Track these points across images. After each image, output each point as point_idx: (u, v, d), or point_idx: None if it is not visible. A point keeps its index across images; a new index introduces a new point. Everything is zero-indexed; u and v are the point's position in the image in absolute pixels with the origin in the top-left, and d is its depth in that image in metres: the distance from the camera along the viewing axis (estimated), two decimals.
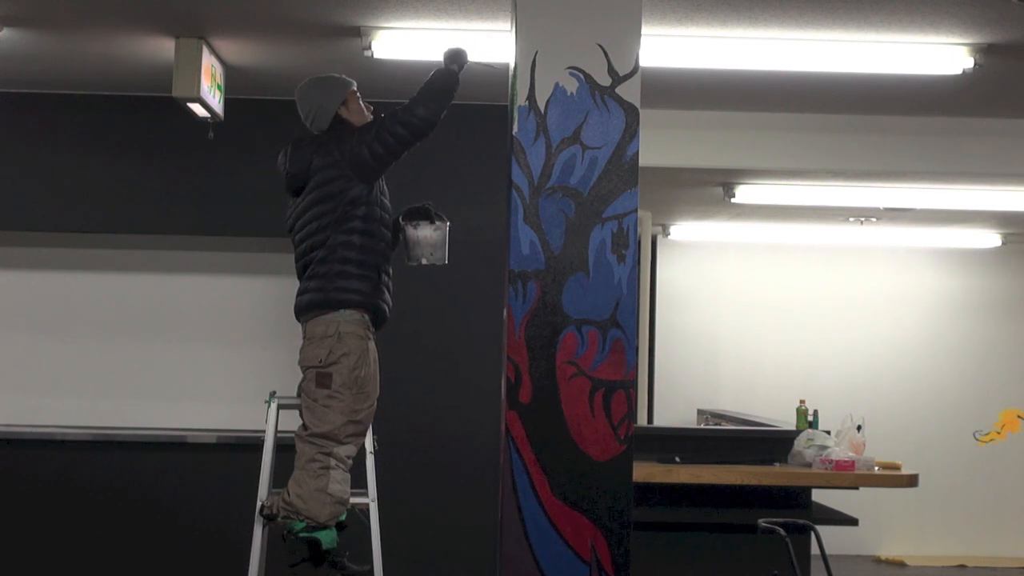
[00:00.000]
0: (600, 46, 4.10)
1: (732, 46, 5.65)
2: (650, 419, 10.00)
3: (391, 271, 4.76)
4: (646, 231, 9.70)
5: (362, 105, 4.82)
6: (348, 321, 4.58)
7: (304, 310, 4.65)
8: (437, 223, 4.81)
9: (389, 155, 4.62)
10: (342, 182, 4.60)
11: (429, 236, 4.77)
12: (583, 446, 4.04)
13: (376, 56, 5.69)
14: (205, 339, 7.19)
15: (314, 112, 4.77)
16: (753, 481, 6.12)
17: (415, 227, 4.78)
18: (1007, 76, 6.13)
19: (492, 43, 5.43)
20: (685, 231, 10.55)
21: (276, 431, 4.88)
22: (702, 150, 7.28)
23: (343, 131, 4.71)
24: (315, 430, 4.55)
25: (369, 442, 4.84)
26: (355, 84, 4.84)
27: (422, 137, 4.64)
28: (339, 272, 4.57)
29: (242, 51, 6.04)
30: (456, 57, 4.66)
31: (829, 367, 10.68)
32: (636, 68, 4.11)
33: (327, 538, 4.53)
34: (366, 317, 4.63)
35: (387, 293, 4.71)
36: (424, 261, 4.80)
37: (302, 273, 4.72)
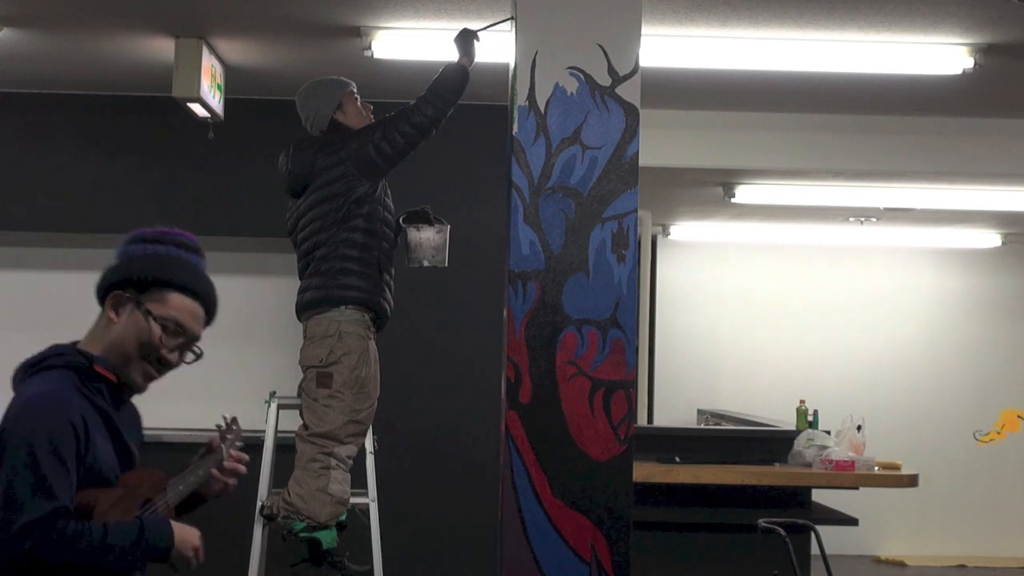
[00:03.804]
0: (600, 46, 4.10)
1: (732, 46, 5.66)
2: (650, 419, 9.99)
3: (393, 272, 4.76)
4: (646, 231, 9.70)
5: (359, 107, 4.81)
6: (349, 320, 4.57)
7: (305, 308, 4.65)
8: (438, 226, 4.82)
9: (397, 155, 4.63)
10: (347, 181, 4.60)
11: (431, 239, 4.78)
12: (583, 446, 4.03)
13: (376, 56, 5.69)
14: (205, 339, 7.17)
15: (312, 117, 4.78)
16: (753, 481, 6.11)
17: (418, 229, 4.79)
18: (1007, 76, 6.13)
19: (492, 43, 5.43)
20: (685, 231, 10.55)
21: (276, 431, 4.88)
22: (702, 150, 7.28)
23: (345, 132, 4.71)
24: (316, 430, 4.55)
25: (369, 442, 4.84)
26: (353, 85, 4.84)
27: (429, 136, 4.65)
28: (340, 269, 4.57)
29: (242, 51, 6.05)
30: (466, 44, 4.64)
31: (829, 367, 10.68)
32: (636, 68, 4.11)
33: (327, 538, 4.53)
34: (367, 316, 4.63)
35: (388, 293, 4.71)
36: (426, 263, 4.81)
37: (304, 272, 4.72)
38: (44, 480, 2.47)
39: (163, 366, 2.68)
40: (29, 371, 2.63)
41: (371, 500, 4.81)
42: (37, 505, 2.46)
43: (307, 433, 4.58)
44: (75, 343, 2.68)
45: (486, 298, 6.45)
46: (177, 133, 6.72)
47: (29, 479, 2.46)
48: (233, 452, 2.76)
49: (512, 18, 4.36)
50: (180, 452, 7.47)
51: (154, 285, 2.64)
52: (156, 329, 2.63)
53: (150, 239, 2.69)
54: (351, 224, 4.60)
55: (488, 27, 4.66)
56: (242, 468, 2.78)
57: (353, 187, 4.59)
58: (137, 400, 7.78)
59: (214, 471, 2.73)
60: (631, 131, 4.11)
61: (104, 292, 2.67)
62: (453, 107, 4.64)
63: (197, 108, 5.97)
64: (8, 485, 2.48)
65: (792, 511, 5.99)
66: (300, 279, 4.74)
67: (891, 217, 9.30)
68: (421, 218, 4.84)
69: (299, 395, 4.68)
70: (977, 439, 8.66)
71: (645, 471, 5.88)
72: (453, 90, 4.60)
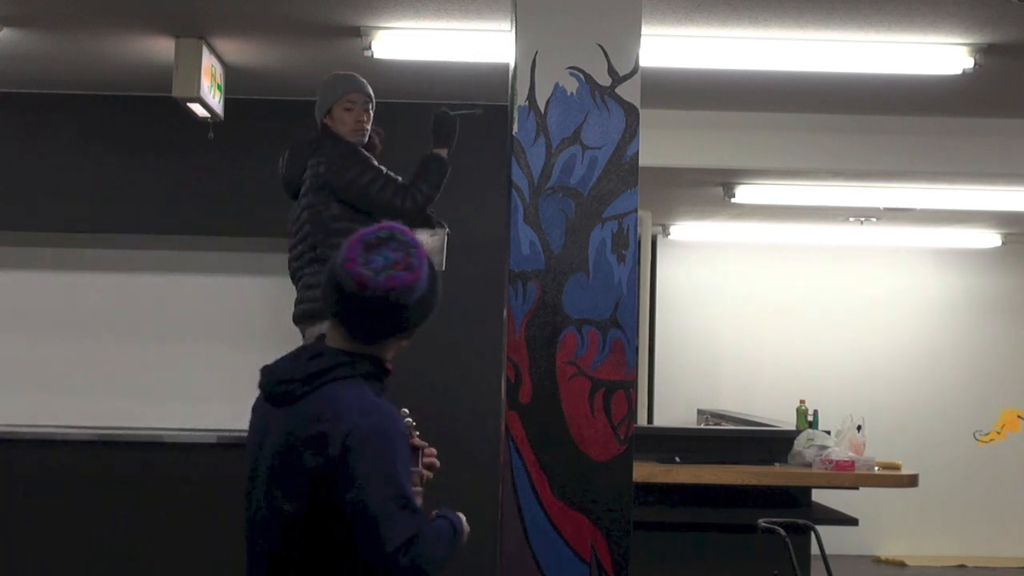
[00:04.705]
0: (600, 46, 4.10)
1: (732, 46, 5.65)
2: (650, 419, 9.99)
3: None
4: (646, 231, 9.70)
5: (348, 117, 4.71)
6: None
7: (301, 319, 4.65)
8: (436, 229, 4.78)
9: (365, 208, 4.59)
10: (323, 194, 4.59)
11: (426, 242, 4.72)
12: (583, 446, 4.04)
13: (376, 56, 5.69)
14: (205, 339, 7.19)
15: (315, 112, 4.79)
16: (753, 481, 6.11)
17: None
18: (1007, 76, 6.13)
19: (492, 43, 5.43)
20: (685, 231, 10.54)
21: None
22: (702, 150, 7.28)
23: (336, 137, 4.67)
24: None
25: None
26: (349, 92, 4.73)
27: (401, 217, 4.61)
28: None
29: (242, 51, 6.04)
30: (443, 130, 4.64)
31: (829, 367, 10.67)
32: (636, 68, 4.11)
33: None
34: None
35: None
36: None
37: (294, 276, 4.71)
38: (405, 492, 2.51)
39: None
40: (314, 381, 2.57)
41: None
42: (410, 520, 2.49)
43: None
44: (339, 350, 2.63)
45: (486, 298, 6.44)
46: (177, 133, 6.72)
47: (395, 494, 2.48)
48: (424, 445, 2.85)
49: (480, 110, 4.43)
50: (181, 452, 7.48)
51: None
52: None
53: (395, 265, 2.57)
54: (334, 241, 4.56)
55: (462, 113, 4.66)
56: (436, 462, 2.93)
57: (327, 201, 4.57)
58: (138, 400, 7.75)
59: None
60: (631, 131, 4.11)
61: (380, 331, 2.63)
62: (433, 200, 4.62)
63: (197, 108, 5.97)
64: (377, 502, 2.47)
65: (792, 511, 5.99)
66: (291, 279, 4.72)
67: (891, 217, 9.30)
68: (422, 221, 4.80)
69: None
70: (977, 439, 8.67)
71: (645, 471, 5.88)
72: (433, 184, 4.61)
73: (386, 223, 2.63)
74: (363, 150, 4.70)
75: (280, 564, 2.57)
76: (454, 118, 4.66)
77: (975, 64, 5.70)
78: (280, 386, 2.59)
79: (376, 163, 4.68)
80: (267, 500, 2.57)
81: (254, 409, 2.73)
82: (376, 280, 2.51)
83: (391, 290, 2.52)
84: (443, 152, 4.65)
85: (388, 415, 2.55)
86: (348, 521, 2.47)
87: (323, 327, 4.54)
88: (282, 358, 2.69)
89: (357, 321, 2.57)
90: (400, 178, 4.64)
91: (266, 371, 2.67)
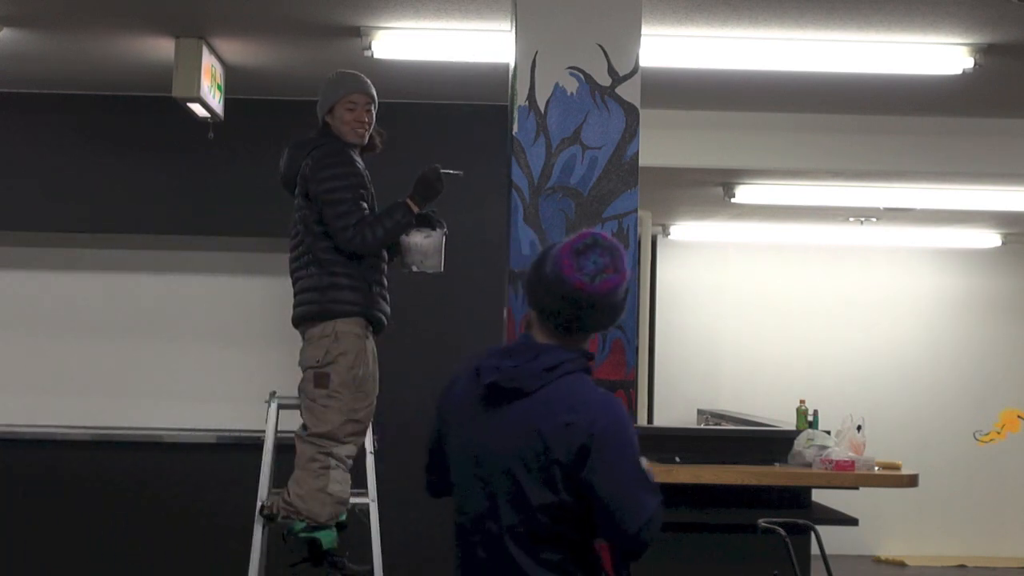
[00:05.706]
0: (600, 46, 4.11)
1: (732, 46, 5.65)
2: (650, 419, 9.99)
3: (385, 280, 4.69)
4: (646, 231, 9.70)
5: (350, 117, 4.66)
6: (345, 321, 4.55)
7: (300, 320, 4.64)
8: (435, 230, 4.69)
9: (329, 223, 4.54)
10: (307, 199, 4.57)
11: (420, 244, 4.62)
12: None
13: (376, 56, 5.69)
14: (205, 339, 7.19)
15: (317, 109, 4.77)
16: (753, 481, 6.10)
17: (408, 233, 4.66)
18: (1007, 76, 6.13)
19: (492, 43, 5.43)
20: (685, 231, 10.54)
21: (276, 431, 4.88)
22: (702, 150, 7.28)
23: (333, 138, 4.65)
24: (315, 430, 4.55)
25: (369, 442, 4.84)
26: (352, 93, 4.67)
27: (349, 252, 4.57)
28: (331, 284, 4.53)
29: (242, 51, 6.04)
30: (425, 187, 4.59)
31: (829, 367, 10.68)
32: (636, 68, 4.12)
33: (327, 538, 4.53)
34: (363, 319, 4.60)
35: (383, 302, 4.65)
36: (415, 268, 4.67)
37: (293, 275, 4.70)
38: (646, 473, 2.77)
39: None
40: (547, 376, 2.76)
41: (371, 500, 4.81)
42: (652, 499, 2.73)
43: (306, 433, 4.57)
44: (556, 345, 2.80)
45: (486, 298, 6.44)
46: (177, 133, 6.72)
47: (640, 476, 2.75)
48: None
49: (462, 173, 4.41)
50: (180, 452, 7.47)
51: None
52: None
53: (605, 270, 2.76)
54: (325, 244, 4.54)
55: (447, 172, 4.60)
56: None
57: (312, 206, 4.56)
58: (137, 401, 7.71)
59: None
60: (631, 131, 4.11)
61: (589, 328, 2.83)
62: (382, 246, 4.54)
63: (197, 108, 5.97)
64: (625, 486, 2.71)
65: (792, 511, 5.98)
66: (290, 277, 4.71)
67: (891, 217, 9.30)
68: (422, 221, 4.75)
69: (299, 395, 4.67)
70: (977, 439, 8.67)
71: None
72: (388, 232, 4.48)
73: (586, 230, 2.83)
74: (357, 158, 4.66)
75: (525, 545, 2.74)
76: (441, 183, 4.58)
77: (975, 64, 5.70)
78: (513, 382, 2.77)
79: (361, 180, 4.59)
80: (508, 491, 2.74)
81: (448, 407, 3.09)
82: (593, 286, 2.73)
83: (607, 294, 2.74)
84: (414, 207, 4.57)
85: (621, 404, 2.81)
86: (595, 505, 2.69)
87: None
88: (492, 356, 2.89)
89: (570, 320, 2.79)
90: (367, 211, 4.56)
91: (491, 369, 2.84)
